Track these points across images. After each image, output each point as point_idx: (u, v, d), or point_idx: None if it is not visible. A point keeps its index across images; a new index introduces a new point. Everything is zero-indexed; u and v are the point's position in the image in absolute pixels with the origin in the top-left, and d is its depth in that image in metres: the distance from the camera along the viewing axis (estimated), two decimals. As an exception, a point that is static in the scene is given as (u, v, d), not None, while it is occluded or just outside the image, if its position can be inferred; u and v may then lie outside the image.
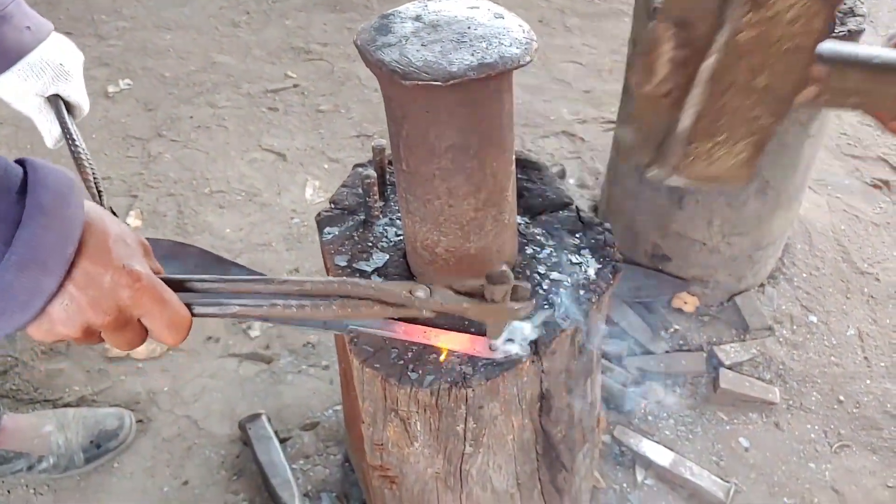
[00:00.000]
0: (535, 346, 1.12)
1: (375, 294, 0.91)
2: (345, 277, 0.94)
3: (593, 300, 1.19)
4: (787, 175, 2.12)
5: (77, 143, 1.32)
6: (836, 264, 2.54)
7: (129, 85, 3.34)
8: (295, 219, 2.71)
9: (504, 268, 0.90)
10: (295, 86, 3.34)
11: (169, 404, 2.15)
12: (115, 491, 1.97)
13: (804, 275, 2.49)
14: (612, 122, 3.06)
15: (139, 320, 0.81)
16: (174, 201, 2.77)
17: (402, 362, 1.11)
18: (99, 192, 1.28)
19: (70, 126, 1.36)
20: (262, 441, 1.98)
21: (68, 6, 3.91)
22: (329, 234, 1.31)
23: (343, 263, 1.25)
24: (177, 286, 0.85)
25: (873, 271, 2.53)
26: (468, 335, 1.07)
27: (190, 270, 0.95)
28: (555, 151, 2.96)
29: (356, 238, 1.30)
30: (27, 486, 1.97)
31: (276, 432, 2.02)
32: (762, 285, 2.44)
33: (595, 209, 2.69)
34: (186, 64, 3.48)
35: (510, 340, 1.05)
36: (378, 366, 1.11)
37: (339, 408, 2.11)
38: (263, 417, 2.04)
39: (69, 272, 0.74)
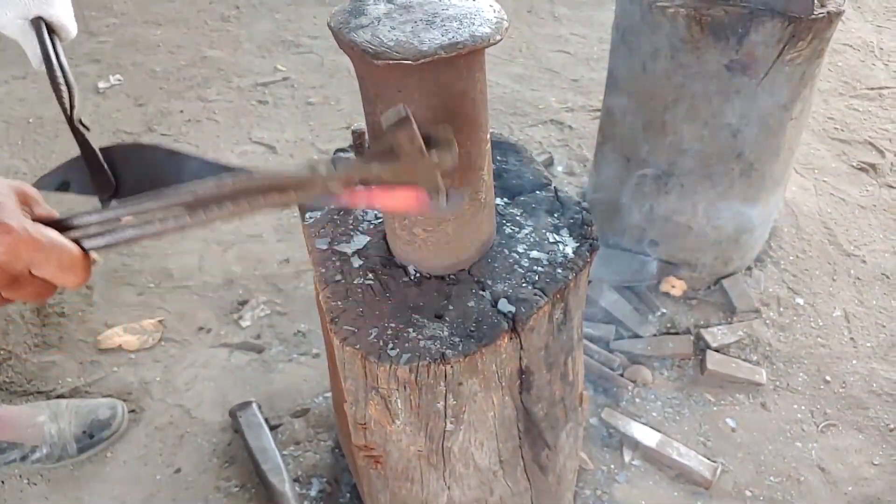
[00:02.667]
0: (513, 322, 1.14)
1: (274, 182, 0.86)
2: (241, 172, 0.87)
3: (571, 278, 1.20)
4: (770, 158, 2.14)
5: (57, 64, 1.29)
6: (822, 247, 2.56)
7: (119, 80, 3.35)
8: (285, 210, 2.72)
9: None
10: (285, 79, 3.36)
11: (161, 394, 2.17)
12: (109, 480, 1.99)
13: (791, 257, 2.51)
14: (599, 109, 3.07)
15: (31, 272, 0.79)
16: (165, 194, 2.79)
17: (381, 341, 1.13)
18: (71, 114, 1.23)
19: (50, 48, 1.33)
20: (253, 428, 2.00)
21: None
22: (311, 217, 1.33)
23: (324, 246, 1.27)
24: (65, 226, 0.82)
25: (860, 253, 2.55)
26: (411, 191, 1.00)
27: (147, 172, 0.97)
28: (543, 140, 2.98)
29: (337, 221, 1.32)
30: (20, 476, 1.99)
31: (266, 419, 2.04)
32: (749, 268, 2.46)
33: (583, 196, 2.71)
34: (177, 58, 3.49)
35: None
36: (358, 345, 1.13)
37: (328, 395, 2.13)
38: (254, 405, 2.06)
39: None
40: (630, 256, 2.39)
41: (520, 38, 3.59)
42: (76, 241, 0.81)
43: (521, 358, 1.21)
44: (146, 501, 1.94)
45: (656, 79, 2.06)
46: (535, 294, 1.17)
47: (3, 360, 2.24)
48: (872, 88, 3.28)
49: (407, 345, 1.12)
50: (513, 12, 3.79)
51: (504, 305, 1.16)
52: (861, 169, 2.87)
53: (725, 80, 1.96)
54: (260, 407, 2.07)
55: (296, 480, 1.93)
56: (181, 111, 3.18)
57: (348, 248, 1.26)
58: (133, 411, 2.13)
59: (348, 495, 1.91)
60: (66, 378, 2.21)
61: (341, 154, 1.45)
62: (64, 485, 1.98)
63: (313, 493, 1.91)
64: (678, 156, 2.14)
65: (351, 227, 1.31)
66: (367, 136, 1.37)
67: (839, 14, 1.91)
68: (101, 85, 3.32)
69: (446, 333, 1.13)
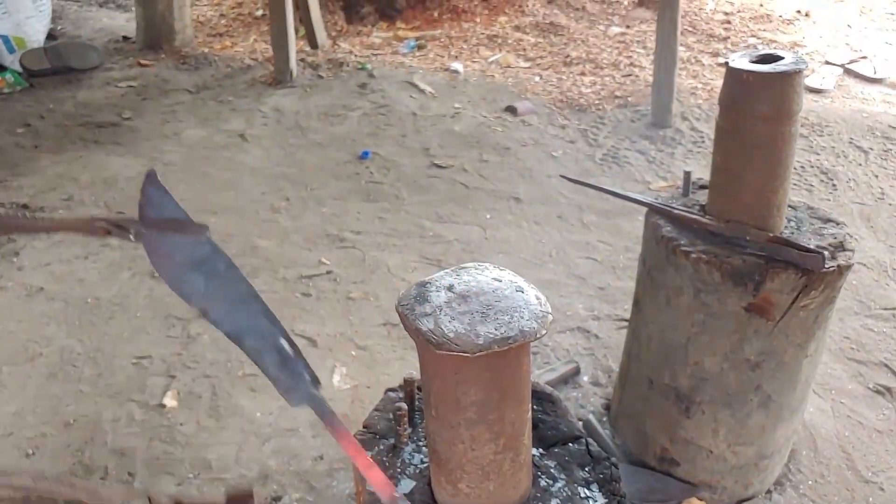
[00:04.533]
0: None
1: None
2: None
3: (600, 535, 1.31)
4: (787, 390, 2.26)
5: None
6: (840, 472, 2.62)
7: (174, 266, 3.59)
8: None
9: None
10: (328, 272, 3.58)
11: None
12: None
13: (810, 482, 2.57)
14: (625, 319, 3.23)
15: None
16: (209, 383, 2.94)
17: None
18: None
19: None
20: None
21: (123, 186, 4.25)
22: (362, 457, 1.45)
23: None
24: None
25: (877, 480, 2.61)
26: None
27: None
28: (570, 347, 3.13)
29: (386, 463, 1.45)
30: None
31: None
32: (769, 491, 2.53)
33: (608, 407, 2.82)
34: (228, 247, 3.74)
35: None
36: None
37: None
38: None
39: None
40: (652, 475, 2.47)
41: (550, 243, 3.82)
42: None
43: None
44: None
45: (679, 312, 2.22)
46: (568, 552, 1.28)
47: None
48: (887, 308, 3.42)
49: None
50: (543, 217, 4.05)
51: (540, 564, 1.26)
52: (877, 391, 2.97)
53: (744, 320, 2.11)
54: None
55: None
56: (229, 299, 3.38)
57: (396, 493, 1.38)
58: None
59: None
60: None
61: (391, 394, 1.60)
62: None
63: None
64: (699, 383, 2.27)
65: (399, 469, 1.44)
66: (415, 387, 1.53)
67: (849, 267, 2.09)
68: (157, 270, 3.55)
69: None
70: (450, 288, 1.22)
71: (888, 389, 2.98)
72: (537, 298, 1.21)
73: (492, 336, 1.11)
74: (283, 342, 1.20)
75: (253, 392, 2.90)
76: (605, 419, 2.77)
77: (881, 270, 3.70)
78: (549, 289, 3.45)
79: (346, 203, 4.14)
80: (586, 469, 1.43)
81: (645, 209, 2.34)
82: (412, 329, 1.15)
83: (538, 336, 1.14)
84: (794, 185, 4.31)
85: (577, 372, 2.97)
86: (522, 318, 1.15)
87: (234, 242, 3.78)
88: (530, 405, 1.28)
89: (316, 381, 1.22)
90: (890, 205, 4.23)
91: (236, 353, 3.02)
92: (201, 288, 1.18)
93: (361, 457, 1.22)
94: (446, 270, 1.27)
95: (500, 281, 1.23)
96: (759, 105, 2.01)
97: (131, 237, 1.15)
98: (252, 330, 1.18)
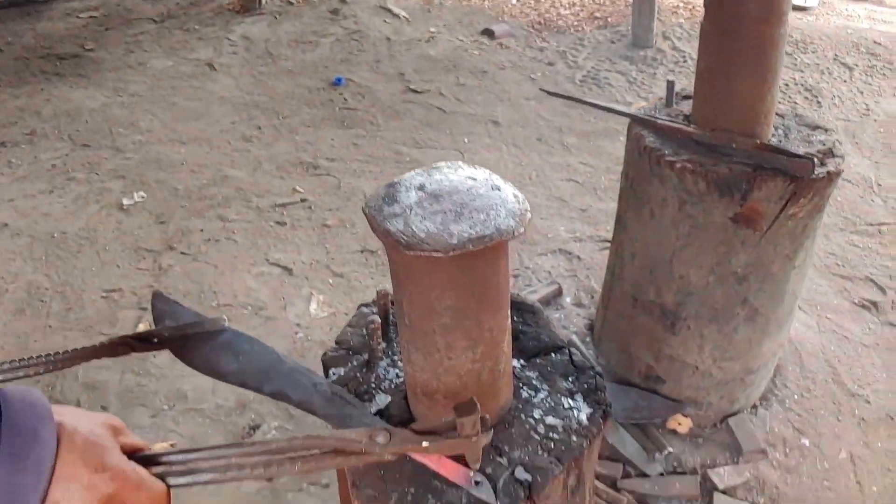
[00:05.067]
0: (530, 490, 1.18)
1: (338, 445, 1.00)
2: (308, 433, 1.03)
3: (585, 445, 1.25)
4: (775, 303, 2.21)
5: None
6: (827, 386, 2.60)
7: (143, 197, 3.47)
8: (299, 333, 2.78)
9: (472, 398, 0.99)
10: (303, 200, 3.47)
11: (170, 522, 2.18)
12: None
13: (796, 396, 2.55)
14: (608, 240, 3.17)
15: None
16: (182, 314, 2.85)
17: (402, 507, 1.16)
18: None
19: None
20: (262, 563, 2.01)
21: (87, 119, 4.09)
22: (335, 374, 1.38)
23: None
24: (151, 461, 0.94)
25: (863, 393, 2.59)
26: (456, 463, 1.14)
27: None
28: (552, 269, 3.06)
29: (360, 378, 1.37)
30: None
31: (275, 554, 2.05)
32: (755, 407, 2.50)
33: (591, 328, 2.77)
34: (199, 177, 3.62)
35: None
36: (379, 510, 1.17)
37: (338, 529, 2.14)
38: (263, 539, 2.07)
39: (48, 494, 0.82)
40: (637, 393, 2.43)
41: (530, 166, 3.72)
42: (160, 476, 0.93)
43: (535, 524, 1.25)
44: None
45: (664, 226, 2.15)
46: (551, 462, 1.21)
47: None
48: (872, 224, 3.38)
49: (427, 512, 1.16)
50: (523, 140, 3.94)
51: (521, 473, 1.20)
52: (863, 306, 2.94)
53: (730, 231, 2.04)
54: (269, 540, 2.08)
55: None
56: (201, 230, 3.28)
57: (371, 408, 1.31)
58: (141, 540, 2.13)
59: None
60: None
61: (364, 309, 1.52)
62: None
63: None
64: (685, 298, 2.21)
65: (373, 385, 1.36)
66: (389, 300, 1.45)
67: (839, 173, 2.01)
68: (126, 202, 3.43)
69: (464, 501, 1.17)
70: (421, 187, 1.12)
71: (874, 304, 2.95)
72: (515, 196, 1.12)
73: (466, 235, 1.02)
74: (322, 383, 1.24)
75: (228, 323, 2.82)
76: (588, 340, 2.72)
77: (866, 186, 3.64)
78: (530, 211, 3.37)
79: (319, 130, 4.01)
80: (569, 379, 1.36)
81: (627, 127, 2.25)
82: (380, 231, 1.06)
83: (516, 234, 1.05)
84: (779, 102, 4.22)
85: (559, 293, 2.91)
86: (499, 216, 1.06)
87: (205, 173, 3.66)
88: (509, 311, 1.21)
89: (360, 404, 1.25)
90: (875, 120, 4.15)
91: (210, 284, 2.94)
92: (235, 366, 1.23)
93: (429, 457, 1.17)
94: (417, 171, 1.17)
95: (475, 179, 1.14)
96: (748, 4, 1.91)
97: (155, 347, 1.22)
98: (291, 384, 1.23)
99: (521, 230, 1.07)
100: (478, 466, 1.14)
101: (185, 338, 1.28)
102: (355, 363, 1.41)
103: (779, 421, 2.46)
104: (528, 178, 3.64)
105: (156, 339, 1.25)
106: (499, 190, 1.13)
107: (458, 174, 1.16)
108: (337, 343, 1.45)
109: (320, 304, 2.91)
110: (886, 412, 2.53)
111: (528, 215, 1.09)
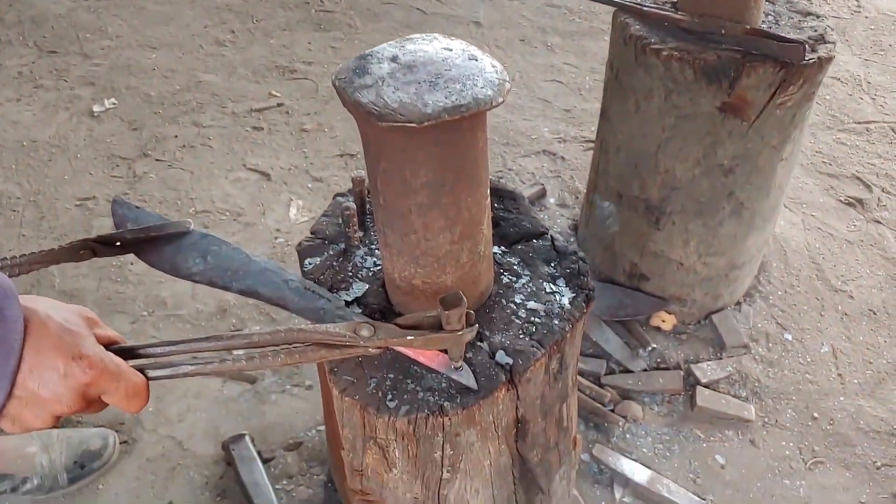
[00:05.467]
0: (511, 374, 1.15)
1: (321, 338, 0.99)
2: (290, 325, 1.02)
3: (567, 329, 1.22)
4: (761, 196, 2.17)
5: None
6: (810, 282, 2.59)
7: (114, 104, 3.36)
8: (279, 238, 2.73)
9: (458, 292, 0.98)
10: (279, 105, 3.37)
11: (153, 424, 2.17)
12: (100, 512, 1.99)
13: (780, 293, 2.54)
14: (592, 141, 3.11)
15: (100, 397, 0.88)
16: (159, 221, 2.79)
17: (380, 392, 1.14)
18: None
19: None
20: (246, 462, 2.00)
21: (53, 24, 3.92)
22: (310, 264, 1.34)
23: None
24: (129, 354, 0.92)
25: (847, 289, 2.58)
26: (436, 354, 1.12)
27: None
28: (535, 170, 3.00)
29: (336, 268, 1.33)
30: (11, 508, 1.98)
31: (259, 452, 2.05)
32: (738, 303, 2.49)
33: (575, 228, 2.73)
34: (171, 83, 3.50)
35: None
36: (357, 396, 1.14)
37: (322, 428, 2.13)
38: (247, 438, 2.06)
39: (15, 380, 0.79)
40: (621, 291, 2.42)
41: (513, 67, 3.62)
42: (140, 369, 0.92)
43: (517, 408, 1.23)
44: (138, 535, 1.94)
45: (649, 118, 2.09)
46: (533, 346, 1.19)
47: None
48: (860, 122, 3.32)
49: (406, 396, 1.14)
50: (505, 41, 3.83)
51: (502, 357, 1.17)
52: (848, 204, 2.91)
53: (717, 121, 1.99)
54: (253, 440, 2.07)
55: (288, 516, 1.94)
56: (175, 136, 3.19)
57: (347, 297, 1.27)
58: (125, 442, 2.13)
59: (340, 531, 1.91)
60: (58, 408, 2.21)
61: (340, 198, 1.47)
62: (55, 517, 1.98)
63: (306, 528, 1.92)
64: (670, 192, 2.17)
65: (350, 273, 1.32)
66: (366, 186, 1.40)
67: (830, 59, 1.95)
68: (96, 109, 3.32)
69: (444, 385, 1.14)
70: (393, 59, 1.06)
71: (859, 201, 2.93)
72: (493, 66, 1.05)
73: (441, 104, 0.96)
74: (293, 279, 1.22)
75: (206, 230, 2.76)
76: (572, 240, 2.69)
77: (855, 84, 3.57)
78: (513, 112, 3.29)
79: (295, 33, 3.87)
80: (552, 264, 1.33)
81: (612, 16, 2.16)
82: (351, 103, 1.00)
83: (494, 104, 0.99)
84: (768, 0, 4.10)
85: (542, 194, 2.87)
86: (476, 85, 1.00)
87: (178, 78, 3.54)
88: (488, 190, 1.16)
89: (333, 296, 1.22)
90: (866, 17, 4.05)
91: (186, 190, 2.88)
92: (202, 266, 1.22)
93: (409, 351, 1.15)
94: (389, 42, 1.11)
95: (451, 50, 1.07)
96: None
97: (118, 250, 1.21)
98: (262, 281, 1.21)
99: (500, 100, 1.01)
100: (461, 364, 1.11)
101: (149, 240, 1.25)
102: (331, 252, 1.36)
103: (762, 317, 2.46)
104: (511, 79, 3.54)
105: (119, 243, 1.22)
106: (476, 60, 1.06)
107: (432, 45, 1.09)
108: (312, 233, 1.40)
109: (300, 209, 2.86)
110: (869, 307, 2.53)
111: (508, 85, 1.03)
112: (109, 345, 0.93)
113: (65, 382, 0.82)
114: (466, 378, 1.13)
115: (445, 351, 1.09)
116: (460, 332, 1.01)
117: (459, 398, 1.13)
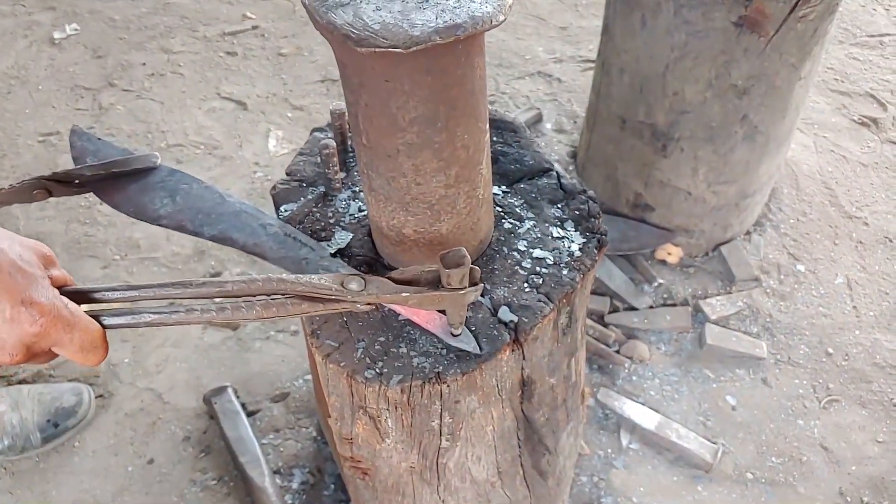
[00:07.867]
0: (516, 332, 1.02)
1: (304, 290, 0.86)
2: (269, 274, 0.88)
3: (578, 280, 1.08)
4: (776, 119, 2.01)
5: None
6: (823, 209, 2.45)
7: (76, 30, 3.13)
8: (258, 172, 2.56)
9: (461, 249, 0.84)
10: (254, 27, 3.15)
11: (130, 377, 2.05)
12: (77, 471, 1.87)
13: (791, 221, 2.40)
14: (591, 61, 2.91)
15: (51, 349, 0.77)
16: (129, 157, 2.61)
17: (368, 358, 1.00)
18: None
19: None
20: (229, 416, 1.88)
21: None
22: (286, 210, 1.18)
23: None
24: (84, 298, 0.82)
25: (861, 215, 2.44)
26: (433, 315, 0.99)
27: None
28: (530, 94, 2.82)
29: (316, 214, 1.18)
30: (-18, 469, 1.87)
31: (243, 405, 1.93)
32: (748, 233, 2.35)
33: (574, 155, 2.57)
34: (137, 5, 3.26)
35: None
36: (343, 362, 1.00)
37: (309, 377, 2.01)
38: (229, 390, 1.94)
39: None
40: (625, 222, 2.27)
41: (504, -18, 3.39)
42: (96, 316, 0.81)
43: (523, 368, 1.09)
44: (117, 495, 1.83)
45: (657, 35, 1.91)
46: (540, 300, 1.05)
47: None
48: (873, 36, 3.13)
49: (398, 363, 1.00)
50: (496, -47, 3.58)
51: (505, 314, 1.03)
52: (862, 124, 2.75)
53: (732, 38, 1.81)
54: (236, 392, 1.95)
55: (276, 472, 1.83)
56: (143, 64, 2.97)
57: (329, 247, 1.12)
58: (101, 396, 2.00)
59: (332, 486, 1.81)
60: (28, 360, 2.08)
61: (318, 134, 1.30)
62: (29, 478, 1.86)
63: (295, 485, 1.81)
64: (679, 117, 2.01)
65: (331, 221, 1.17)
66: (346, 120, 1.23)
67: None
68: (57, 35, 3.10)
69: (441, 348, 1.01)
70: (374, -30, 0.88)
71: (874, 121, 2.76)
72: (492, -23, 0.88)
73: (432, 25, 0.79)
74: (272, 224, 1.09)
75: (179, 164, 2.59)
76: (571, 168, 2.53)
77: (867, -6, 3.37)
78: (504, 31, 3.08)
79: (269, -51, 3.61)
80: (558, 206, 1.17)
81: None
82: (323, 24, 0.82)
83: (494, 23, 0.82)
84: None
85: (539, 119, 2.69)
86: (473, 1, 0.83)
87: (143, 1, 3.30)
88: (488, 125, 1.00)
89: (317, 245, 1.09)
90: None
91: (157, 122, 2.69)
92: (170, 207, 1.08)
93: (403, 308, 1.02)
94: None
95: (442, -42, 0.90)
96: None
97: (76, 189, 1.07)
98: (237, 226, 1.08)
99: (501, 18, 0.84)
100: (461, 329, 0.98)
101: (112, 178, 1.11)
102: (310, 197, 1.20)
103: (773, 247, 2.33)
104: (501, -5, 3.32)
105: (77, 181, 1.07)
106: (471, -29, 0.89)
107: (420, -47, 0.91)
108: (288, 174, 1.24)
109: (279, 141, 2.67)
110: (885, 234, 2.40)
111: (509, 0, 0.86)
112: (62, 287, 0.81)
113: (9, 328, 0.72)
114: (467, 342, 0.99)
115: (444, 312, 0.95)
116: (463, 291, 0.87)
117: (458, 363, 0.99)
